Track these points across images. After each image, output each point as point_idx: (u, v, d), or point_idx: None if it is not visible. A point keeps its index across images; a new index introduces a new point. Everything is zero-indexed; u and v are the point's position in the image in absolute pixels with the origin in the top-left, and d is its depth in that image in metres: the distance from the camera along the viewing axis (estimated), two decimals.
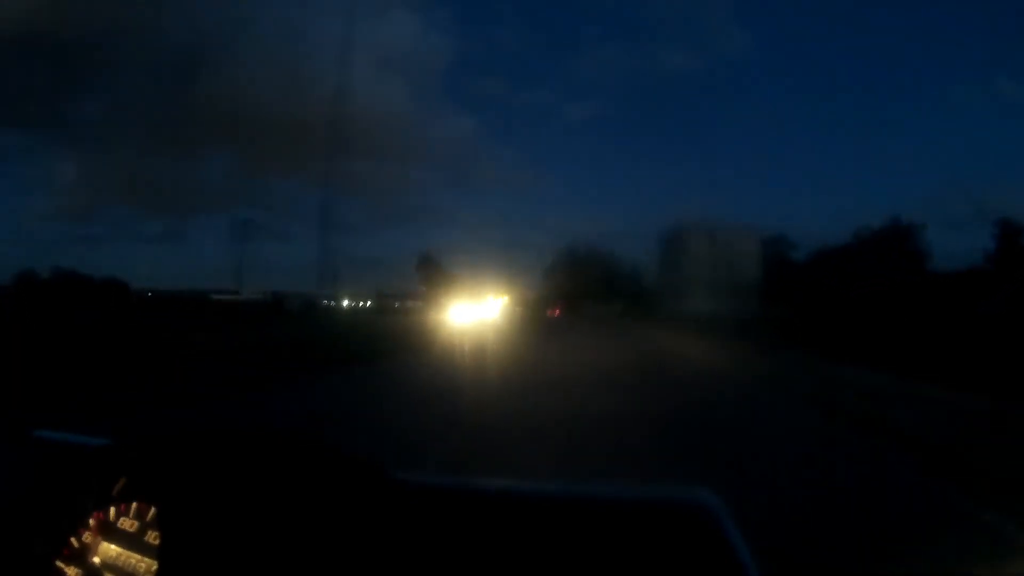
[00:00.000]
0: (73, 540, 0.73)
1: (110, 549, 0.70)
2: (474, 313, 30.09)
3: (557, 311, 56.10)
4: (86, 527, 0.73)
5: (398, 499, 0.69)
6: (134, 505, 0.71)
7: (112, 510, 0.72)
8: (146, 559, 0.66)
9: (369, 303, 52.60)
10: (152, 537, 0.67)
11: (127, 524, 0.70)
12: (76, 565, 0.71)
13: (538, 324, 31.51)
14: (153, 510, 0.67)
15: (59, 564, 0.72)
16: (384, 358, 12.08)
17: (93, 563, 0.70)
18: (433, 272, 56.10)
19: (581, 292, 54.26)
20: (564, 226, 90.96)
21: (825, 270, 37.34)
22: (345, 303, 50.52)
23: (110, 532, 0.71)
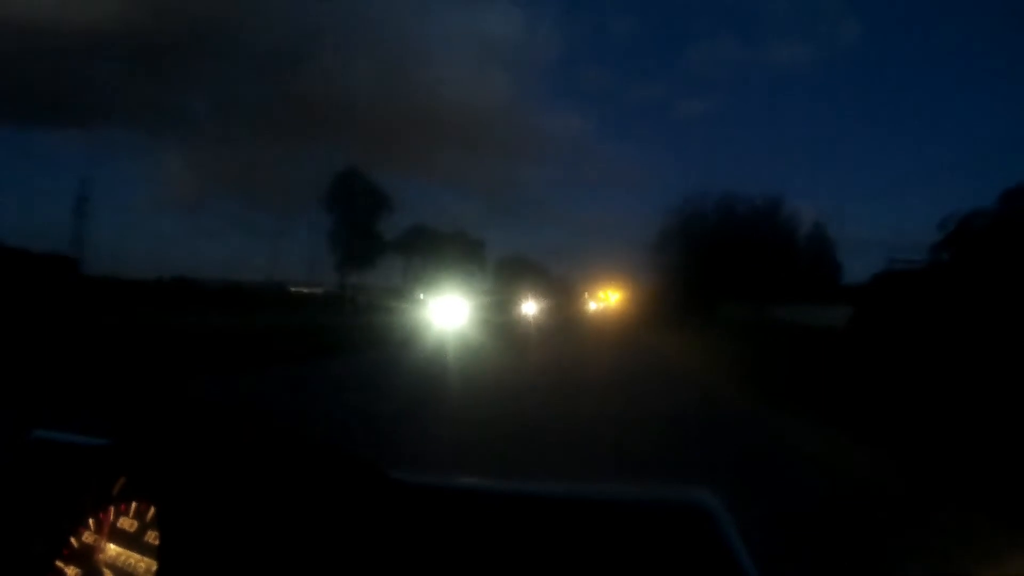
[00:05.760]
0: (73, 540, 0.73)
1: (110, 549, 0.70)
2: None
3: (604, 300, 40.75)
4: (86, 527, 0.73)
5: (397, 499, 0.69)
6: (134, 505, 0.71)
7: (112, 510, 0.72)
8: (146, 559, 0.66)
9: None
10: (152, 537, 0.67)
11: (127, 524, 0.70)
12: (76, 565, 0.71)
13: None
14: (153, 510, 0.67)
15: (59, 564, 0.72)
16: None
17: (93, 563, 0.70)
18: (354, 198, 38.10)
19: (711, 281, 28.38)
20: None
21: None
22: (420, 298, 48.20)
23: (110, 532, 0.72)
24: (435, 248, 43.87)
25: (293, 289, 40.49)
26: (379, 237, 41.09)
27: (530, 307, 31.10)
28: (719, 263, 29.08)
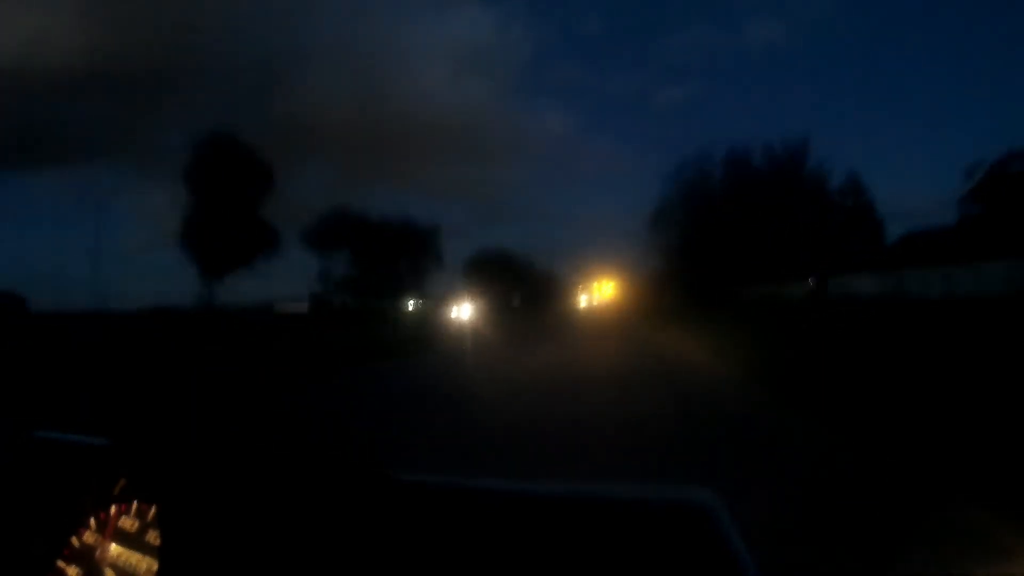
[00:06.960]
0: (73, 540, 0.73)
1: (110, 549, 0.70)
2: None
3: (597, 292, 37.39)
4: (86, 527, 0.73)
5: (396, 499, 0.69)
6: (135, 505, 0.71)
7: (112, 510, 0.72)
8: (146, 559, 0.66)
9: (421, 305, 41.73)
10: (152, 537, 0.67)
11: (127, 524, 0.70)
12: (76, 565, 0.71)
13: None
14: (154, 510, 0.67)
15: (59, 564, 0.72)
16: None
17: (94, 563, 0.70)
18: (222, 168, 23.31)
19: (728, 256, 21.28)
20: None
21: None
22: (410, 307, 40.00)
23: (110, 532, 0.71)
24: (368, 241, 29.86)
25: (278, 309, 36.35)
26: (265, 226, 25.97)
27: (464, 310, 22.88)
28: (737, 232, 21.78)
